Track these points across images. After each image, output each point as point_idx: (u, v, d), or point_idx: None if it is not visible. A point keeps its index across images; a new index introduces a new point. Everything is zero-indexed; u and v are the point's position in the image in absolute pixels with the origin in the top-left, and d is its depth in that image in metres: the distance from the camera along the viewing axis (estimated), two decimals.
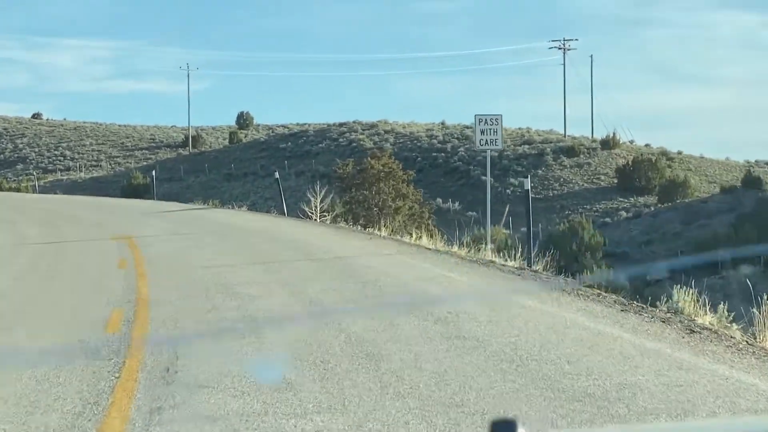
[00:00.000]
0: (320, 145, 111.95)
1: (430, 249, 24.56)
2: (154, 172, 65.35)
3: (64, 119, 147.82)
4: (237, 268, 19.86)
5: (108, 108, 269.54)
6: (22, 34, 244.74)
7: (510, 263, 22.45)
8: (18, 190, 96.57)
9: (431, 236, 32.27)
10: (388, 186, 44.28)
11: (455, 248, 25.92)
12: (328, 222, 37.71)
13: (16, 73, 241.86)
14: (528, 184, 22.00)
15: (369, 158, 46.30)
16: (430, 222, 45.66)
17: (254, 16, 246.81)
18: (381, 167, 44.43)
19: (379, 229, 36.23)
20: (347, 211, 44.49)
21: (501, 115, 31.99)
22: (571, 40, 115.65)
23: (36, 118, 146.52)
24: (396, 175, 44.65)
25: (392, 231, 36.31)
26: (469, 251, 25.39)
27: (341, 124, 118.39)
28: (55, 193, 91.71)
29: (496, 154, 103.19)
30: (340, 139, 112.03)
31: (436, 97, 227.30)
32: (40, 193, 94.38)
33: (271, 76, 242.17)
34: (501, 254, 26.95)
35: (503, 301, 14.75)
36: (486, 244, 29.28)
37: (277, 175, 42.49)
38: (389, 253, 22.46)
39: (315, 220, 39.06)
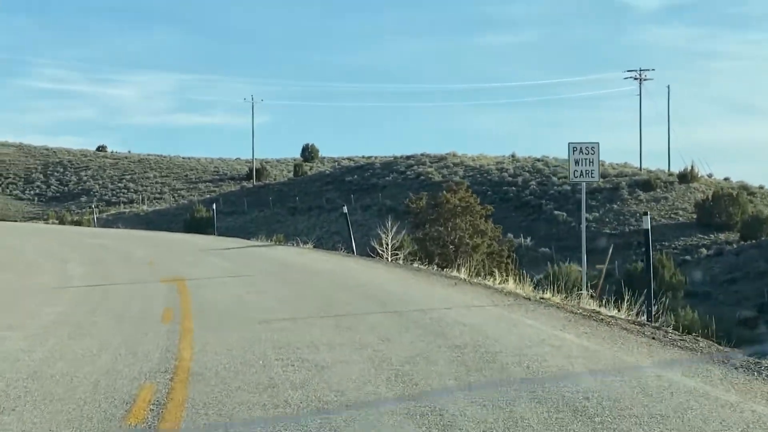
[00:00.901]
0: (387, 178, 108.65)
1: (521, 296, 20.96)
2: (214, 205, 62.12)
3: (129, 152, 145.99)
4: (302, 323, 16.38)
5: (172, 141, 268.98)
6: (88, 69, 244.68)
7: (619, 314, 18.83)
8: (79, 223, 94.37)
9: (517, 279, 28.62)
10: (465, 222, 40.69)
11: (548, 294, 22.36)
12: (401, 262, 34.20)
13: (82, 108, 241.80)
14: (648, 222, 18.30)
15: (444, 192, 42.74)
16: (509, 261, 41.97)
17: (319, 51, 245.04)
18: (457, 201, 40.88)
19: (457, 269, 32.67)
20: (420, 248, 40.92)
21: (598, 144, 28.41)
22: (648, 70, 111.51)
23: (100, 151, 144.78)
24: (473, 209, 41.05)
25: (472, 272, 32.71)
26: (565, 298, 21.82)
27: (408, 157, 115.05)
28: (117, 227, 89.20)
29: (569, 186, 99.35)
30: (408, 172, 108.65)
31: (505, 129, 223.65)
32: (101, 226, 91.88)
33: (336, 108, 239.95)
34: (600, 300, 23.50)
35: (652, 379, 11.11)
36: (582, 288, 25.70)
37: (345, 209, 38.98)
38: (481, 304, 18.86)
39: (386, 259, 35.61)
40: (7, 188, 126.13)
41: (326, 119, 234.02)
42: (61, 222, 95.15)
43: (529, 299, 20.45)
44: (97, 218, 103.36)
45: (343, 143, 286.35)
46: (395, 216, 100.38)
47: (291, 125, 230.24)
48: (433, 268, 32.35)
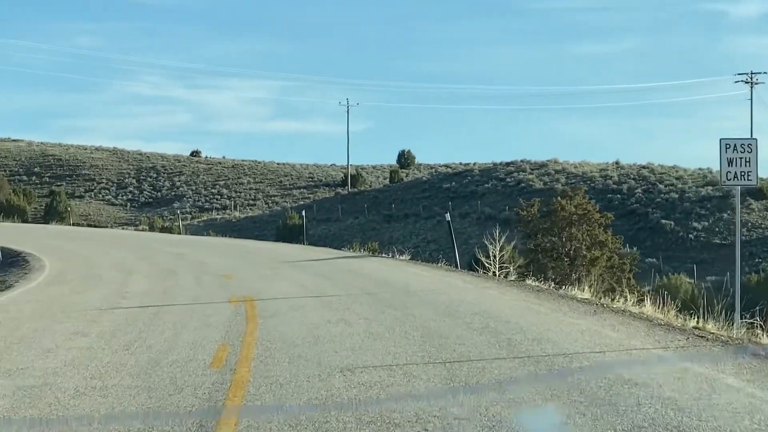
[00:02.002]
0: (486, 185, 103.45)
1: (677, 327, 15.82)
2: (303, 212, 57.53)
3: (223, 157, 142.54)
4: (400, 375, 11.49)
5: (267, 147, 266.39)
6: (185, 75, 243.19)
7: None
8: (170, 230, 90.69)
9: (655, 301, 23.41)
10: (582, 231, 35.48)
11: (696, 321, 17.32)
12: (512, 278, 29.14)
13: (179, 113, 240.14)
14: None
15: (559, 198, 37.54)
16: (631, 276, 36.66)
17: (416, 58, 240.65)
18: (573, 209, 35.69)
19: (578, 287, 27.57)
20: (532, 261, 35.83)
21: (756, 140, 23.10)
22: (760, 73, 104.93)
23: (194, 156, 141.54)
24: (592, 218, 35.82)
25: (597, 290, 27.52)
26: (719, 327, 16.74)
27: (508, 164, 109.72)
28: (207, 234, 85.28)
29: (677, 194, 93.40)
30: (508, 179, 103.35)
31: (607, 135, 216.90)
32: (191, 233, 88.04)
33: (433, 115, 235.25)
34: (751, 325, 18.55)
35: None
36: (736, 314, 20.59)
37: (448, 217, 33.87)
38: (642, 346, 13.72)
39: (493, 273, 30.63)
40: (100, 193, 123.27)
41: (423, 126, 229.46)
42: (151, 228, 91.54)
43: (682, 329, 15.36)
44: (187, 225, 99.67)
45: (440, 150, 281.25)
46: (495, 224, 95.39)
47: (387, 132, 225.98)
48: (549, 285, 27.29)
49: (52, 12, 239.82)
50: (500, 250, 32.42)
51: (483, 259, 32.66)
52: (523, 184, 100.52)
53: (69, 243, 50.56)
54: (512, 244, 34.23)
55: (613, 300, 23.89)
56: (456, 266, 32.48)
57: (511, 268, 31.45)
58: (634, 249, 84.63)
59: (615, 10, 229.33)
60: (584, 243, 35.13)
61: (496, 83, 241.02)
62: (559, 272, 34.31)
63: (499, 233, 32.95)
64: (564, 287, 27.70)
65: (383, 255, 38.85)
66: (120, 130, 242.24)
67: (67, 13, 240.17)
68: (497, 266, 31.60)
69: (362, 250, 42.33)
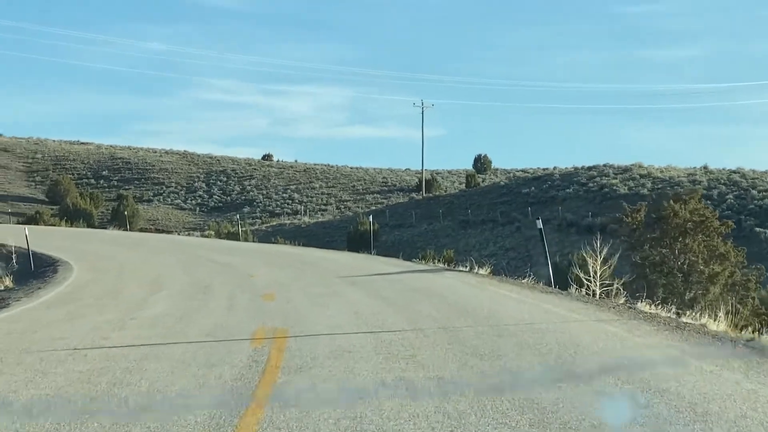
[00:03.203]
0: (567, 190, 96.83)
1: None
2: (372, 217, 51.58)
3: (295, 161, 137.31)
4: None
5: (341, 153, 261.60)
6: (260, 79, 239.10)
7: None
8: (236, 235, 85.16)
9: None
10: (698, 242, 29.15)
11: None
12: (621, 301, 22.91)
13: (255, 119, 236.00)
14: None
15: (671, 201, 31.12)
16: (756, 296, 30.25)
17: (491, 63, 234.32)
18: (688, 215, 29.37)
19: (702, 311, 21.38)
20: (639, 276, 29.53)
21: None
22: None
23: (266, 160, 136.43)
24: (710, 226, 29.48)
25: (733, 320, 21.24)
26: None
27: (590, 168, 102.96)
28: (275, 240, 79.82)
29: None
30: (590, 184, 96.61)
31: (691, 140, 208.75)
32: (259, 239, 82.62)
33: (509, 120, 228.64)
34: None
35: None
36: None
37: (539, 224, 27.53)
38: None
39: (593, 292, 24.51)
40: (168, 197, 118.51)
41: (498, 131, 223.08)
42: (217, 234, 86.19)
43: None
44: (255, 230, 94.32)
45: (516, 155, 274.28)
46: (577, 231, 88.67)
47: (462, 137, 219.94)
48: (667, 310, 21.08)
49: (127, 16, 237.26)
50: (602, 264, 26.28)
51: (579, 272, 26.52)
52: (606, 189, 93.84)
53: (115, 249, 45.31)
54: (615, 256, 27.90)
55: (757, 332, 17.76)
56: (549, 283, 26.29)
57: (616, 286, 25.27)
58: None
59: (690, 16, 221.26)
60: (701, 256, 28.84)
61: (572, 87, 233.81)
62: (671, 290, 28.08)
63: (601, 243, 26.78)
64: (686, 312, 21.54)
65: (459, 268, 32.73)
66: (194, 134, 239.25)
67: (140, 17, 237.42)
68: (598, 284, 25.49)
69: (436, 261, 36.25)
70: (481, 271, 32.03)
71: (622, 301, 23.05)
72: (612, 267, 27.75)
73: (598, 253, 26.33)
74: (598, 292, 25.08)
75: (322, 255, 39.57)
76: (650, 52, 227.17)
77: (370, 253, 44.18)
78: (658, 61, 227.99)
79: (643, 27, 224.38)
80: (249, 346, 14.01)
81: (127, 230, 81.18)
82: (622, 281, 27.12)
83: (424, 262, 36.20)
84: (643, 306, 21.27)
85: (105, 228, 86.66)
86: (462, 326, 15.67)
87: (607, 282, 25.84)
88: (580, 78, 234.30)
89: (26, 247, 41.94)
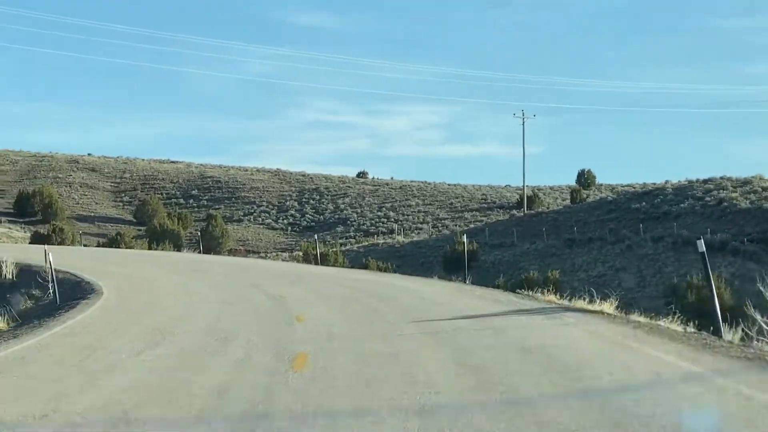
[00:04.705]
0: (681, 205, 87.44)
1: None
2: (465, 237, 43.25)
3: (391, 178, 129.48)
4: None
5: (438, 171, 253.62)
6: (360, 100, 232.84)
7: None
8: (325, 256, 77.37)
9: None
10: None
11: None
12: None
13: (352, 139, 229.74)
14: None
15: None
16: None
17: (590, 77, 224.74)
18: None
19: None
20: None
21: None
22: None
23: (361, 177, 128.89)
24: None
25: None
26: None
27: (706, 180, 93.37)
28: (366, 261, 72.06)
29: None
30: (707, 198, 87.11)
31: None
32: (350, 260, 74.84)
33: (611, 134, 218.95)
34: None
35: None
36: None
37: (702, 247, 18.90)
38: None
39: None
40: (259, 217, 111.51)
41: (601, 146, 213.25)
42: (305, 255, 78.52)
43: None
44: (347, 250, 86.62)
45: (621, 170, 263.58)
46: (694, 249, 79.33)
47: (563, 153, 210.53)
48: None
49: (226, 38, 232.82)
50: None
51: (756, 315, 18.08)
52: (725, 203, 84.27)
53: (165, 277, 37.98)
54: None
55: None
56: (718, 331, 17.82)
57: None
58: None
59: None
60: None
61: (671, 101, 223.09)
62: None
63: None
64: None
65: (578, 303, 24.25)
66: (294, 155, 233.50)
67: (240, 39, 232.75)
68: None
69: (545, 292, 27.97)
70: (606, 307, 23.73)
71: None
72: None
73: None
74: None
75: (404, 285, 31.40)
76: (746, 66, 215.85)
77: (465, 281, 35.99)
78: (755, 75, 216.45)
79: (741, 41, 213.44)
80: None
81: (201, 252, 74.02)
82: None
83: (529, 293, 27.88)
84: None
85: (188, 249, 79.75)
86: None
87: None
88: (677, 92, 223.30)
89: (78, 273, 35.82)
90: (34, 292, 36.74)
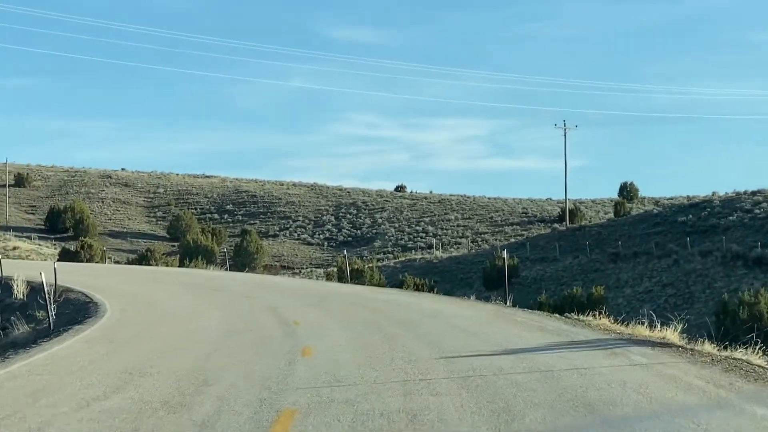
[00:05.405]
0: (730, 217, 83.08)
1: None
2: (506, 252, 39.45)
3: (430, 192, 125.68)
4: None
5: (477, 185, 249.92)
6: (396, 114, 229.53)
7: None
8: (360, 272, 73.64)
9: None
10: None
11: None
12: None
13: (391, 153, 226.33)
14: None
15: None
16: None
17: (632, 91, 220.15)
18: None
19: None
20: None
21: None
22: None
23: (399, 191, 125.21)
24: None
25: None
26: None
27: (754, 192, 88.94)
28: (403, 278, 68.33)
29: None
30: (756, 210, 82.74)
31: None
32: (386, 276, 71.18)
33: (654, 147, 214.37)
34: None
35: None
36: None
37: None
38: None
39: None
40: (295, 232, 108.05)
41: (644, 159, 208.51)
42: (339, 272, 74.85)
43: None
44: (383, 266, 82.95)
45: (664, 183, 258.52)
46: (744, 264, 74.89)
47: (605, 166, 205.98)
48: None
49: (266, 53, 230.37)
50: None
51: None
52: None
53: (182, 297, 34.73)
54: None
55: None
56: None
57: None
58: None
59: None
60: None
61: (715, 109, 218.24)
62: None
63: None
64: None
65: (645, 334, 20.39)
66: (334, 170, 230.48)
67: (280, 54, 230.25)
68: None
69: (597, 314, 24.24)
70: (670, 334, 20.01)
71: None
72: None
73: None
74: None
75: (436, 308, 27.62)
76: None
77: (505, 302, 32.21)
78: None
79: None
80: None
81: (228, 269, 70.65)
82: None
83: (580, 317, 24.12)
84: None
85: (218, 267, 76.39)
86: None
87: None
88: (718, 105, 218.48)
89: (89, 293, 32.91)
90: (37, 314, 33.61)
